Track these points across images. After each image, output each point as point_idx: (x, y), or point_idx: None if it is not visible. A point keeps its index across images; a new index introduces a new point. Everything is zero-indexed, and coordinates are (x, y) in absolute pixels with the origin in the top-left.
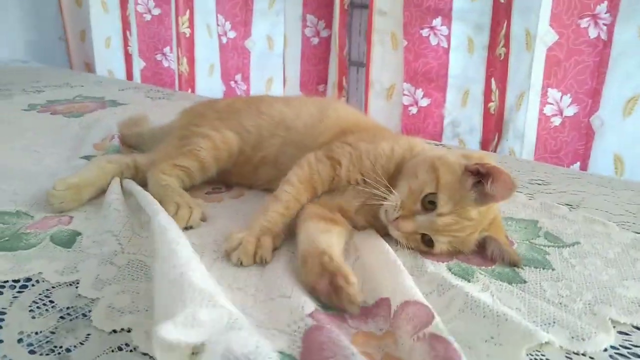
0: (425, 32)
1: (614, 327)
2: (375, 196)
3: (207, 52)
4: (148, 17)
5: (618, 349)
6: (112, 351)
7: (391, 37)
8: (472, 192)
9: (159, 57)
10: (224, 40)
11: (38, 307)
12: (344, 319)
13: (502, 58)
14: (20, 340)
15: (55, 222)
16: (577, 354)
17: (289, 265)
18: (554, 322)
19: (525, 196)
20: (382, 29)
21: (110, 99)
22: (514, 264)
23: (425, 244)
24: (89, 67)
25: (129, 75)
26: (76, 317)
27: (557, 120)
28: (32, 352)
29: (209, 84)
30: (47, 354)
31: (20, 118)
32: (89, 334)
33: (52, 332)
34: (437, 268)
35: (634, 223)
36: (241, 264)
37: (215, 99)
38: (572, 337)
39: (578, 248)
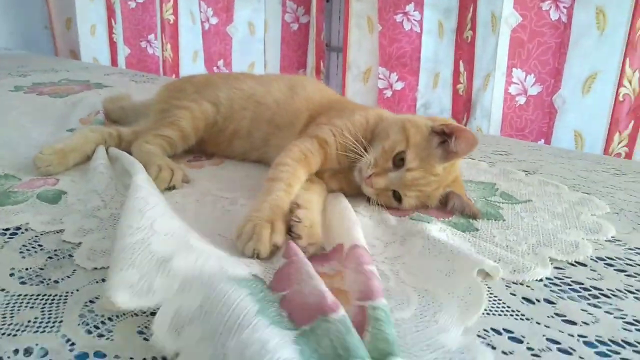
0: (399, 17)
1: (551, 264)
2: (355, 156)
3: (190, 39)
4: (133, 4)
5: (552, 279)
6: (97, 282)
7: (367, 21)
8: (438, 150)
9: (143, 44)
10: (207, 26)
11: (27, 250)
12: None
13: (469, 41)
14: (12, 275)
15: (42, 183)
16: (516, 283)
17: None
18: (499, 260)
19: (487, 164)
20: (358, 12)
21: (96, 82)
22: (473, 216)
23: (396, 200)
24: (75, 55)
25: (114, 62)
26: (63, 257)
27: (521, 99)
28: (22, 282)
29: (193, 70)
30: (37, 285)
31: (7, 98)
32: (75, 270)
33: (41, 269)
34: (400, 220)
35: (583, 185)
36: (257, 256)
37: (194, 75)
38: (514, 271)
39: (530, 205)
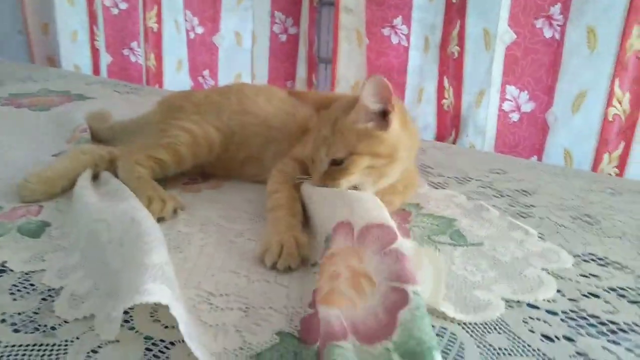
0: (386, 31)
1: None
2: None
3: (175, 48)
4: (115, 11)
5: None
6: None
7: (356, 34)
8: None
9: (126, 52)
10: (192, 35)
11: (19, 291)
12: None
13: (455, 57)
14: (3, 321)
15: (24, 212)
16: (532, 318)
17: None
18: None
19: (466, 198)
20: (347, 25)
21: (77, 92)
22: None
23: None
24: (53, 62)
25: (96, 70)
26: (58, 297)
27: (515, 116)
28: (16, 330)
29: (177, 80)
30: (32, 332)
31: None
32: None
33: (36, 313)
34: None
35: (581, 206)
36: (289, 268)
37: (191, 91)
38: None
39: (474, 249)
